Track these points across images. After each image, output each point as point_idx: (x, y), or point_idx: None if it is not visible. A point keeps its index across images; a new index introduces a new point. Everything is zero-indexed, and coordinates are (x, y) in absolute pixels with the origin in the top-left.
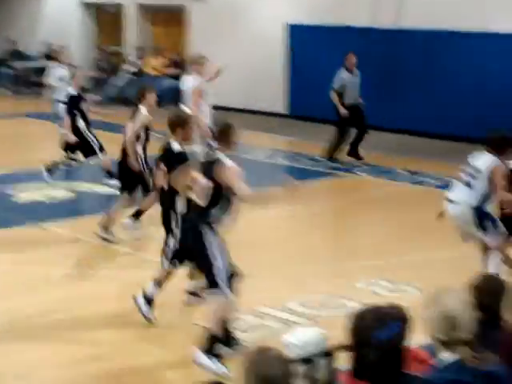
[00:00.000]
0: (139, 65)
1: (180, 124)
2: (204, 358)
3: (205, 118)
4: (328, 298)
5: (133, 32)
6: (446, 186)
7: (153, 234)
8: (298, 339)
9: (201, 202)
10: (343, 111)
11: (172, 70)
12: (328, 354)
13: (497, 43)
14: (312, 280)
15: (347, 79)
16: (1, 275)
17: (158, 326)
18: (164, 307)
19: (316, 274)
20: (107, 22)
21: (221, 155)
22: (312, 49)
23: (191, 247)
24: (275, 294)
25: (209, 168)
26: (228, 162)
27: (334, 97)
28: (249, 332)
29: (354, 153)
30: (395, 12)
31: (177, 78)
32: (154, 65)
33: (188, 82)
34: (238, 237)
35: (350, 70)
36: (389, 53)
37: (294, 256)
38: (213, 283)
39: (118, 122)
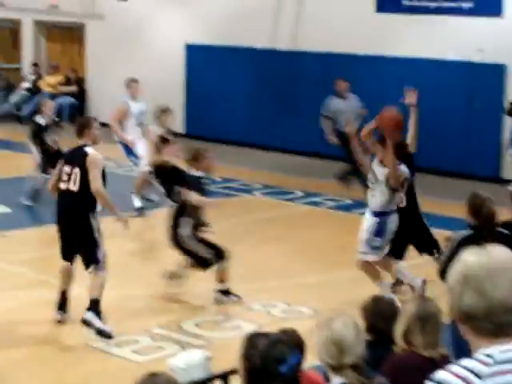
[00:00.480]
0: (35, 82)
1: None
2: (91, 316)
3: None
4: (223, 320)
5: (29, 49)
6: (342, 206)
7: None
8: (184, 363)
9: None
10: (332, 139)
11: (68, 88)
12: (222, 377)
13: (393, 66)
14: (207, 301)
15: (337, 105)
16: None
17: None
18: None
19: (212, 294)
20: (3, 37)
21: None
22: (209, 69)
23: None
24: (171, 316)
25: None
26: None
27: (324, 123)
28: (144, 354)
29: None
30: (292, 34)
31: (73, 95)
32: (50, 82)
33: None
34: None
35: (341, 96)
36: (286, 74)
37: (190, 276)
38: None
39: (11, 139)
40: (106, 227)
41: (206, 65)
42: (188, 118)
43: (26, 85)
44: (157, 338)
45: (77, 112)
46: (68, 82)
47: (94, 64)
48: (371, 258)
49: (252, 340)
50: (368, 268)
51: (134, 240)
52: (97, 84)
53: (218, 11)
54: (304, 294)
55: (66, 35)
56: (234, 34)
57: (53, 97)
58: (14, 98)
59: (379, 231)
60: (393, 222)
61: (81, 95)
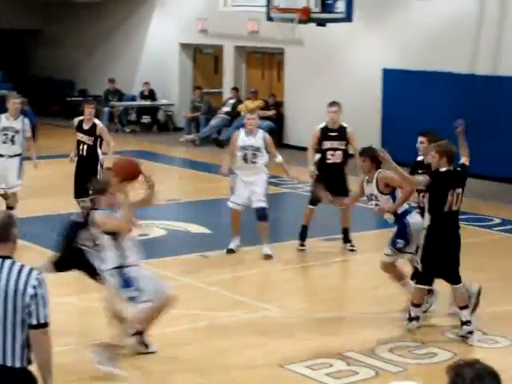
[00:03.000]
0: (234, 106)
1: None
2: None
3: None
4: (418, 346)
5: (230, 74)
6: None
7: None
8: None
9: None
10: None
11: (266, 112)
12: None
13: None
14: (402, 327)
15: None
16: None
17: None
18: None
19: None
20: (205, 63)
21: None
22: (406, 94)
23: None
24: (364, 340)
25: None
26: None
27: None
28: (337, 378)
29: None
30: (492, 59)
31: (271, 119)
32: (249, 106)
33: None
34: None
35: None
36: (484, 99)
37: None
38: None
39: (210, 161)
40: None
41: (403, 90)
42: (384, 142)
43: (226, 109)
44: (351, 362)
45: (275, 135)
46: (266, 106)
47: (292, 88)
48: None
49: (458, 370)
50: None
51: None
52: (294, 108)
53: (415, 36)
54: (501, 324)
55: (266, 60)
56: (432, 59)
57: None
58: (215, 121)
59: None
60: None
61: (279, 119)
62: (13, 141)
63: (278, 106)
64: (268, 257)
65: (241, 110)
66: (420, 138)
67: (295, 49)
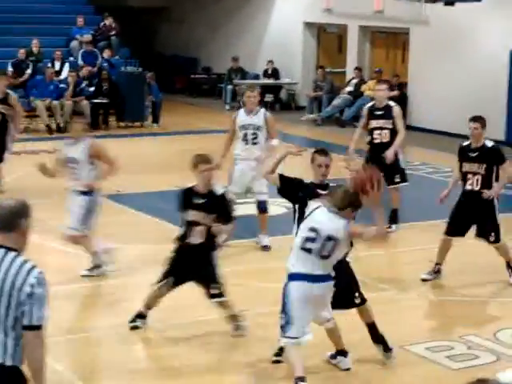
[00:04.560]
0: (357, 86)
1: None
2: None
3: None
4: None
5: (354, 53)
6: None
7: None
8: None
9: None
10: None
11: (390, 93)
12: None
13: None
14: None
15: None
16: None
17: None
18: None
19: None
20: (329, 42)
21: None
22: None
23: None
24: (487, 324)
25: None
26: None
27: None
28: (459, 361)
29: None
30: None
31: (394, 99)
32: (372, 87)
33: None
34: None
35: None
36: None
37: None
38: None
39: (333, 141)
40: None
41: None
42: (510, 126)
43: (349, 88)
44: (472, 346)
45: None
46: (390, 87)
47: (417, 69)
48: None
49: None
50: None
51: None
52: (418, 90)
53: None
54: None
55: (391, 40)
56: None
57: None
58: (337, 101)
59: None
60: None
61: (402, 100)
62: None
63: (402, 86)
64: (266, 248)
65: (364, 90)
66: (473, 124)
67: (421, 29)
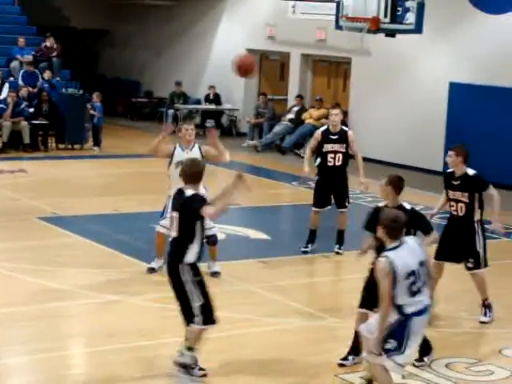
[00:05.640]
0: (299, 113)
1: None
2: None
3: None
4: (475, 363)
5: (295, 81)
6: None
7: None
8: None
9: None
10: None
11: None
12: None
13: None
14: (461, 343)
15: None
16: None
17: None
18: None
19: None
20: (271, 69)
21: None
22: (472, 108)
23: None
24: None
25: None
26: None
27: None
28: None
29: None
30: None
31: None
32: (313, 115)
33: None
34: None
35: None
36: None
37: None
38: None
39: (272, 168)
40: None
41: (470, 104)
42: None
43: (290, 116)
44: (405, 375)
45: None
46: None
47: (357, 98)
48: None
49: None
50: None
51: None
52: (359, 118)
53: (484, 50)
54: None
55: (332, 69)
56: (501, 74)
57: (314, 129)
58: (278, 128)
59: None
60: None
61: None
62: None
63: (343, 115)
64: (216, 274)
65: (305, 117)
66: (449, 152)
67: (362, 59)
